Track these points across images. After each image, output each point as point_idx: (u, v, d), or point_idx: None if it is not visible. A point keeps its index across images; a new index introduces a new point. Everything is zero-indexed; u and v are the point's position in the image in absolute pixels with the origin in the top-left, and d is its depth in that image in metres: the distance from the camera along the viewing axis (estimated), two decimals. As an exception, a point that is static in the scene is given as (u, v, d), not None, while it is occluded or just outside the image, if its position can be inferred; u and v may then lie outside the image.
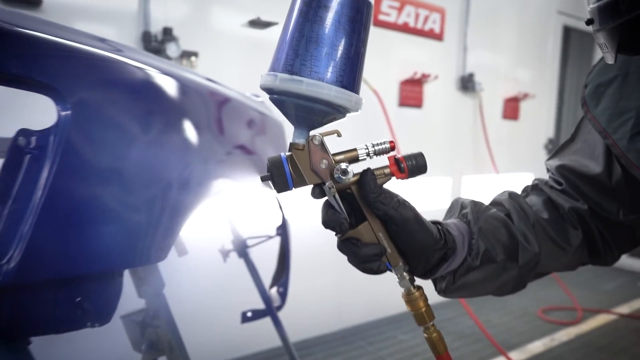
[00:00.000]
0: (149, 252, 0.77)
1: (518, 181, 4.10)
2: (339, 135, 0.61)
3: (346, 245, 0.62)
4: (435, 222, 0.69)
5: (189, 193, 1.00)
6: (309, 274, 2.88)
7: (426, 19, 3.29)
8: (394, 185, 0.63)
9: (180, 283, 1.49)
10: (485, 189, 3.73)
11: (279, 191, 0.60)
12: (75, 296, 0.66)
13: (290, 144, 0.60)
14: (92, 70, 0.70)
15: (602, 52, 0.61)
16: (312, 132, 0.60)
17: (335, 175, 0.59)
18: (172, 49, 2.25)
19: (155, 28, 2.27)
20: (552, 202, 0.78)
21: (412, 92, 3.30)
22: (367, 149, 0.61)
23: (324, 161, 0.59)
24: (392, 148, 0.62)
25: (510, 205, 0.75)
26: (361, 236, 0.62)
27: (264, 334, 2.21)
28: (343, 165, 0.59)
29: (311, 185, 0.61)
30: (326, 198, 0.62)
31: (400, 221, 0.61)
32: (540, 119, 4.37)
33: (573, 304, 3.60)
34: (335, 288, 3.10)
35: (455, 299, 3.41)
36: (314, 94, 0.54)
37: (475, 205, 0.73)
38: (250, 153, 1.44)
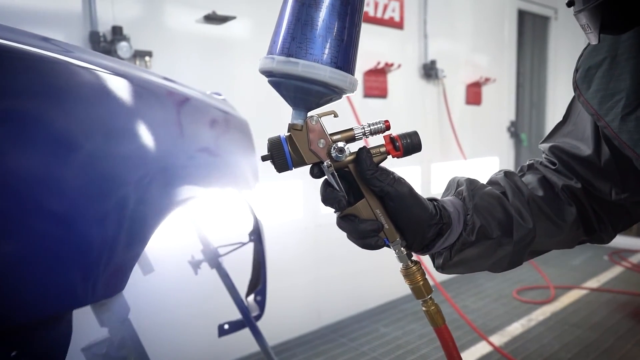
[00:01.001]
0: (103, 284, 0.68)
1: (485, 166, 4.14)
2: (336, 115, 0.63)
3: (345, 222, 0.64)
4: (431, 199, 0.70)
5: (149, 206, 0.91)
6: (283, 273, 2.80)
7: (385, 7, 3.25)
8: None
9: (149, 303, 1.38)
10: (454, 175, 3.72)
11: (279, 171, 0.62)
12: (8, 350, 0.55)
13: (289, 124, 0.61)
14: (26, 72, 0.60)
15: (585, 34, 0.62)
16: (309, 113, 0.62)
17: (333, 154, 0.61)
18: (123, 49, 2.11)
19: (104, 28, 2.12)
20: (547, 181, 0.79)
21: (376, 82, 3.25)
22: (363, 128, 0.63)
23: (322, 141, 0.61)
24: (388, 127, 0.64)
25: (505, 183, 0.76)
26: (359, 213, 0.64)
27: (243, 341, 2.12)
28: (340, 144, 0.61)
29: (310, 165, 0.63)
30: (325, 177, 0.63)
31: (396, 197, 0.63)
32: (501, 103, 4.42)
33: (546, 283, 3.66)
34: (311, 286, 3.03)
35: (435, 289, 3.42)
36: (309, 75, 0.56)
37: (471, 183, 0.74)
38: (215, 155, 1.35)
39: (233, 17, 2.50)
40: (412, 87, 3.55)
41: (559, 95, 5.13)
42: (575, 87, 0.73)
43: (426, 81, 3.64)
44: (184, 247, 1.60)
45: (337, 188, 0.63)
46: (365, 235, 0.64)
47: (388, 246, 0.67)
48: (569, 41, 5.08)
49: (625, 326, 2.95)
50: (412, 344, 2.78)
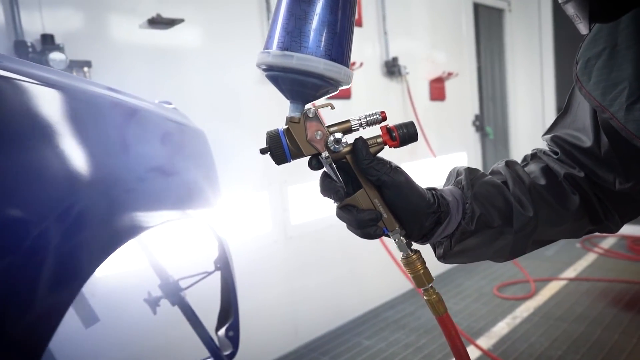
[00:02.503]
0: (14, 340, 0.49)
1: (454, 162, 4.06)
2: (332, 107, 0.64)
3: (344, 212, 0.65)
4: (430, 189, 0.71)
5: (84, 242, 0.71)
6: (255, 292, 2.60)
7: (342, 4, 3.11)
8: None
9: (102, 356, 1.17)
10: (425, 174, 3.62)
11: (278, 163, 0.63)
12: None
13: (287, 117, 0.62)
14: None
15: (575, 24, 0.62)
16: (306, 106, 0.63)
17: (330, 145, 0.63)
18: (55, 60, 1.87)
19: (33, 37, 1.88)
20: (550, 169, 0.78)
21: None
22: (360, 119, 0.64)
23: (319, 132, 0.63)
24: (384, 118, 0.65)
25: (506, 172, 0.75)
26: (358, 203, 0.65)
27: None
28: (337, 135, 0.63)
29: (308, 157, 0.64)
30: (324, 169, 0.64)
31: (393, 185, 0.64)
32: (464, 97, 4.36)
33: (524, 277, 3.60)
34: (286, 302, 2.84)
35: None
36: (304, 67, 0.57)
37: (471, 172, 0.74)
38: (169, 174, 1.16)
39: (181, 20, 2.29)
40: (375, 86, 3.42)
41: (519, 86, 5.14)
42: (576, 79, 0.72)
43: (389, 79, 3.52)
44: (138, 285, 1.39)
45: (336, 179, 0.64)
46: (364, 225, 0.65)
47: (388, 235, 0.67)
48: (524, 33, 5.10)
49: (608, 315, 2.89)
50: (398, 356, 2.63)
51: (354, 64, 3.06)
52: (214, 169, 1.39)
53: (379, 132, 0.67)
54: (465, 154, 4.31)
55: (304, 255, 2.92)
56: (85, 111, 0.83)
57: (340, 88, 0.62)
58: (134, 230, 0.90)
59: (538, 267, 3.83)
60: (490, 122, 4.90)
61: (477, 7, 4.57)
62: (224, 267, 1.21)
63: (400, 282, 3.45)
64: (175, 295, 1.25)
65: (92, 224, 0.79)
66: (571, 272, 3.71)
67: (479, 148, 4.55)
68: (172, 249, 2.13)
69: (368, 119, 0.65)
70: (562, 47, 5.16)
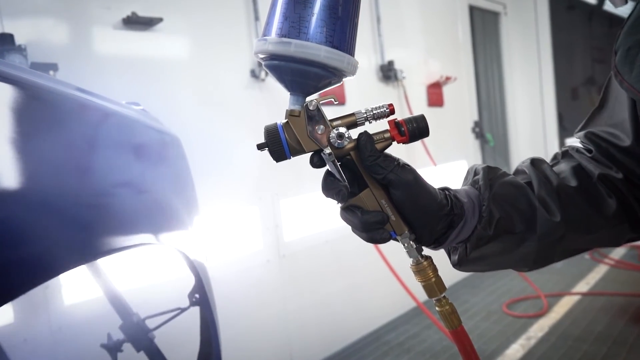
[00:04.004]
0: None
1: (455, 171, 3.85)
2: (336, 100, 0.59)
3: (348, 214, 0.60)
4: (443, 189, 0.65)
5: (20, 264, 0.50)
6: (246, 316, 2.36)
7: (334, 4, 2.91)
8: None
9: None
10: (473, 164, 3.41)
11: (277, 160, 0.59)
12: None
13: (287, 111, 0.58)
14: None
15: (610, 1, 0.61)
16: (308, 99, 0.58)
17: (332, 140, 0.58)
18: (15, 62, 1.63)
19: (-16, 36, 1.64)
20: (583, 169, 0.70)
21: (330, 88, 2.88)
22: (365, 113, 0.60)
23: (321, 127, 0.58)
24: (392, 111, 0.60)
25: (531, 172, 0.69)
26: (363, 204, 0.60)
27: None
28: (340, 129, 0.58)
29: (310, 154, 0.60)
30: (327, 167, 0.60)
31: (400, 184, 0.59)
32: (463, 103, 4.17)
33: (534, 292, 3.37)
34: (280, 326, 2.58)
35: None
36: (303, 55, 0.53)
37: (490, 170, 0.67)
38: (139, 188, 0.93)
39: (159, 20, 2.06)
40: (370, 91, 3.21)
41: (517, 92, 4.97)
42: (616, 71, 0.64)
43: (385, 84, 3.31)
44: (94, 326, 1.14)
45: (339, 177, 0.59)
46: (369, 228, 0.59)
47: (396, 239, 0.61)
48: (521, 37, 4.95)
49: (631, 334, 2.66)
50: (405, 386, 2.37)
51: (348, 67, 2.85)
52: (190, 182, 1.16)
53: (387, 127, 0.61)
54: (465, 162, 4.10)
55: (298, 275, 2.68)
56: (42, 111, 0.71)
57: (345, 79, 0.58)
58: (91, 254, 0.68)
59: (547, 281, 3.60)
60: (489, 128, 4.70)
61: (472, 10, 4.41)
62: (202, 300, 0.97)
63: (403, 300, 3.19)
64: (141, 338, 1.00)
65: (31, 245, 0.60)
66: (584, 286, 3.49)
67: (479, 156, 4.35)
68: (136, 279, 1.88)
69: (374, 112, 0.60)
70: (560, 51, 5.01)
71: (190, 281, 0.97)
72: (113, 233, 0.81)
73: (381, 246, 2.69)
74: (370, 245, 2.69)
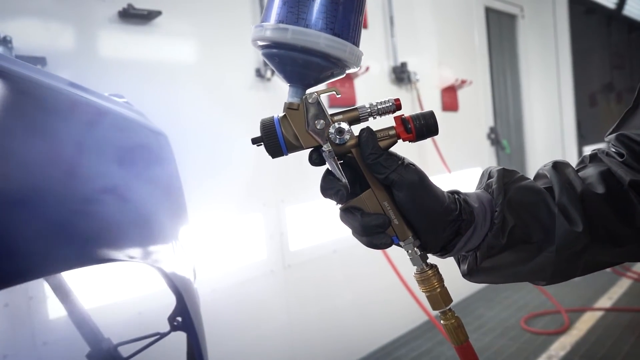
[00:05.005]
0: None
1: (469, 178, 3.69)
2: (338, 93, 0.56)
3: (347, 216, 0.57)
4: (453, 192, 0.60)
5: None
6: (249, 330, 2.22)
7: (345, 2, 2.78)
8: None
9: None
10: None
11: (272, 156, 0.56)
12: None
13: (285, 103, 0.55)
14: None
15: None
16: (308, 91, 0.55)
17: (331, 136, 0.55)
18: (-1, 55, 1.52)
19: (-33, 26, 1.53)
20: (612, 175, 0.62)
21: (341, 89, 2.75)
22: (370, 108, 0.57)
23: (321, 122, 0.55)
24: (398, 107, 0.57)
25: (552, 176, 0.61)
26: (364, 205, 0.56)
27: None
28: (340, 124, 0.55)
29: (308, 151, 0.57)
30: (327, 165, 0.57)
31: (403, 185, 0.55)
32: (478, 108, 4.01)
33: (553, 306, 3.19)
34: (284, 341, 2.43)
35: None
36: (301, 42, 0.50)
37: (506, 174, 0.62)
38: (125, 200, 0.81)
39: (158, 13, 1.95)
40: (382, 93, 3.06)
41: (534, 97, 4.79)
42: None
43: (398, 86, 3.17)
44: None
45: (339, 176, 0.55)
46: (369, 232, 0.55)
47: (399, 245, 0.57)
48: (539, 42, 4.78)
49: (661, 354, 2.48)
50: (417, 408, 2.21)
51: (358, 68, 2.71)
52: (178, 188, 1.03)
53: (393, 124, 0.57)
54: (480, 170, 3.93)
55: (304, 287, 2.53)
56: (29, 106, 0.67)
57: (347, 71, 0.56)
58: (63, 262, 0.58)
59: (567, 295, 3.41)
60: (504, 135, 4.54)
61: (487, 12, 4.26)
62: (186, 324, 0.83)
63: (414, 314, 3.03)
64: (115, 367, 0.86)
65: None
66: (606, 301, 3.30)
67: (495, 163, 4.18)
68: (110, 296, 1.76)
69: (379, 107, 0.57)
70: (578, 56, 4.84)
71: (173, 305, 0.83)
72: (94, 244, 0.69)
73: (392, 256, 2.54)
74: (380, 256, 2.54)
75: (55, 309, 1.66)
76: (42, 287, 1.59)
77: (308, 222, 2.57)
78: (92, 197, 0.76)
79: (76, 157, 0.75)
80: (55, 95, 0.77)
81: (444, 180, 3.30)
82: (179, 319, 0.83)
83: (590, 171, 0.65)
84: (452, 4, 3.80)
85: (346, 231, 0.60)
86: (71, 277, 1.72)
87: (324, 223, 2.61)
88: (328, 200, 0.57)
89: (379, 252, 2.55)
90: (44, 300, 1.62)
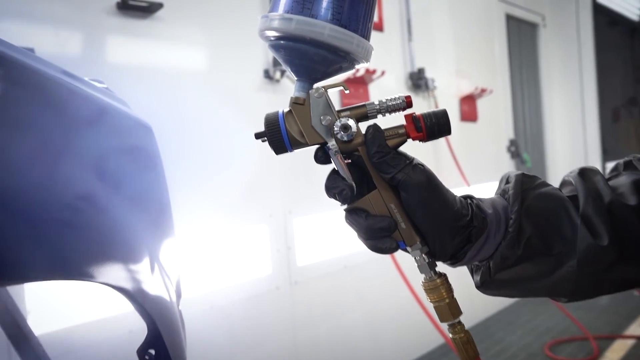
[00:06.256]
0: None
1: (488, 193, 3.48)
2: (346, 88, 0.53)
3: (351, 217, 0.54)
4: (466, 197, 0.57)
5: None
6: (249, 347, 2.05)
7: (361, 3, 2.64)
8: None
9: None
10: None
11: (276, 152, 0.54)
12: None
13: (291, 98, 0.53)
14: None
15: None
16: (315, 86, 0.54)
17: (336, 132, 0.52)
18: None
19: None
20: None
21: (354, 94, 2.59)
22: (379, 104, 0.54)
23: (327, 117, 0.53)
24: (409, 104, 0.54)
25: (578, 184, 0.57)
26: (369, 207, 0.54)
27: None
28: (348, 121, 0.52)
29: (314, 148, 0.55)
30: (333, 165, 0.54)
31: (410, 186, 0.52)
32: (498, 119, 3.83)
33: (580, 332, 2.95)
34: (290, 355, 2.24)
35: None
36: (305, 32, 0.49)
37: (525, 180, 0.57)
38: (101, 210, 0.67)
39: (159, 5, 1.81)
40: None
41: (556, 109, 4.60)
42: None
43: (414, 93, 3.00)
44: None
45: (344, 175, 0.53)
46: (373, 235, 0.53)
47: (406, 251, 0.54)
48: (561, 52, 4.60)
49: None
50: None
51: (374, 71, 2.55)
52: (163, 192, 0.86)
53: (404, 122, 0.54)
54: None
55: (312, 305, 2.35)
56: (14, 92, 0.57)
57: (357, 66, 0.54)
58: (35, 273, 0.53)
59: (594, 320, 3.18)
60: (524, 148, 4.33)
61: (508, 20, 4.09)
62: (161, 358, 0.66)
63: (430, 335, 2.81)
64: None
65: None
66: (637, 328, 3.06)
67: (515, 177, 3.98)
68: (95, 313, 1.60)
69: (389, 103, 0.54)
70: (602, 70, 4.64)
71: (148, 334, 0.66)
72: (68, 260, 0.54)
73: (407, 273, 2.35)
74: (394, 272, 2.36)
75: (37, 327, 1.50)
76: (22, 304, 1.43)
77: (317, 235, 2.39)
78: (90, 208, 0.64)
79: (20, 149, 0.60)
80: (46, 82, 0.65)
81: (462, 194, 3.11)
82: (152, 351, 0.66)
83: (623, 180, 0.59)
84: (472, 10, 3.65)
85: (358, 246, 0.56)
86: (58, 289, 1.56)
87: (334, 236, 2.44)
88: (332, 200, 0.55)
89: (392, 268, 2.37)
90: (25, 316, 1.45)
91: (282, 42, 0.50)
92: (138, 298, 0.60)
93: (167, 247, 0.80)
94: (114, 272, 0.60)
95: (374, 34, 0.55)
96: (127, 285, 0.59)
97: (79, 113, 0.72)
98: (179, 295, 0.83)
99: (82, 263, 0.59)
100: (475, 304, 3.12)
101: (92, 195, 0.67)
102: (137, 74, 1.79)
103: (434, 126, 0.53)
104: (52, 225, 0.58)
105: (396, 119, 0.55)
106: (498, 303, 3.54)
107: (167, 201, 0.90)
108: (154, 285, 0.67)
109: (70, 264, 0.58)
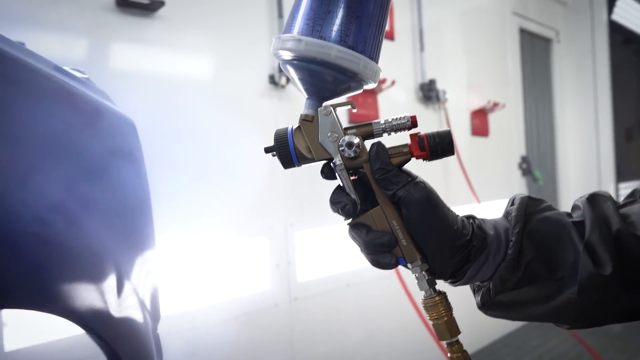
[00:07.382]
0: None
1: (498, 211, 3.36)
2: (354, 107, 0.57)
3: (354, 232, 0.56)
4: (468, 217, 0.58)
5: None
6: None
7: (372, 10, 2.55)
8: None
9: None
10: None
11: (285, 167, 0.56)
12: None
13: (300, 115, 0.56)
14: None
15: None
16: (324, 104, 0.56)
17: (341, 149, 0.54)
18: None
19: None
20: None
21: (363, 104, 2.49)
22: (384, 123, 0.56)
23: (334, 134, 0.55)
24: (414, 124, 0.56)
25: (586, 210, 0.56)
26: (372, 223, 0.56)
27: None
28: (353, 139, 0.54)
29: (321, 164, 0.57)
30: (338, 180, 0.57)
31: (410, 203, 0.53)
32: (510, 135, 3.71)
33: (594, 359, 2.81)
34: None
35: None
36: (314, 53, 0.51)
37: (530, 203, 0.57)
38: (71, 222, 0.56)
39: (160, 3, 1.72)
40: (407, 112, 2.79)
41: (569, 127, 4.48)
42: None
43: (425, 105, 2.90)
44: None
45: (348, 191, 0.55)
46: (374, 250, 0.55)
47: (406, 267, 0.55)
48: (575, 69, 4.49)
49: None
50: None
51: (383, 81, 2.46)
52: (144, 198, 0.76)
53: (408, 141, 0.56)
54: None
55: (312, 323, 2.23)
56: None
57: (365, 86, 0.56)
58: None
59: (607, 348, 3.03)
60: (536, 165, 4.21)
61: (521, 34, 4.00)
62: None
63: (436, 358, 2.69)
64: None
65: None
66: (654, 357, 2.91)
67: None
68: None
69: (394, 123, 0.55)
70: (618, 89, 4.53)
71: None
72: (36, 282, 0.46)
73: (413, 292, 2.23)
74: (399, 292, 2.24)
75: (11, 341, 1.39)
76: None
77: (319, 250, 2.28)
78: (61, 220, 0.55)
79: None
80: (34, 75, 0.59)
81: (472, 210, 2.99)
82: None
83: (637, 208, 0.57)
84: (485, 22, 3.56)
85: (362, 263, 0.49)
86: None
87: (337, 252, 2.32)
88: (336, 215, 0.56)
89: (398, 287, 2.25)
90: (-4, 330, 1.35)
91: (294, 62, 0.53)
92: (93, 326, 0.49)
93: (143, 262, 0.69)
94: (74, 299, 0.50)
95: (385, 43, 0.55)
96: (84, 310, 0.48)
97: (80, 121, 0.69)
98: (156, 319, 0.72)
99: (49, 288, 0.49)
100: (481, 325, 2.98)
101: (61, 205, 0.58)
102: (137, 74, 1.71)
103: (438, 146, 0.55)
104: (21, 239, 0.49)
105: (402, 139, 0.56)
106: (505, 326, 3.40)
107: (148, 204, 0.80)
108: (121, 307, 0.57)
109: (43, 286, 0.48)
